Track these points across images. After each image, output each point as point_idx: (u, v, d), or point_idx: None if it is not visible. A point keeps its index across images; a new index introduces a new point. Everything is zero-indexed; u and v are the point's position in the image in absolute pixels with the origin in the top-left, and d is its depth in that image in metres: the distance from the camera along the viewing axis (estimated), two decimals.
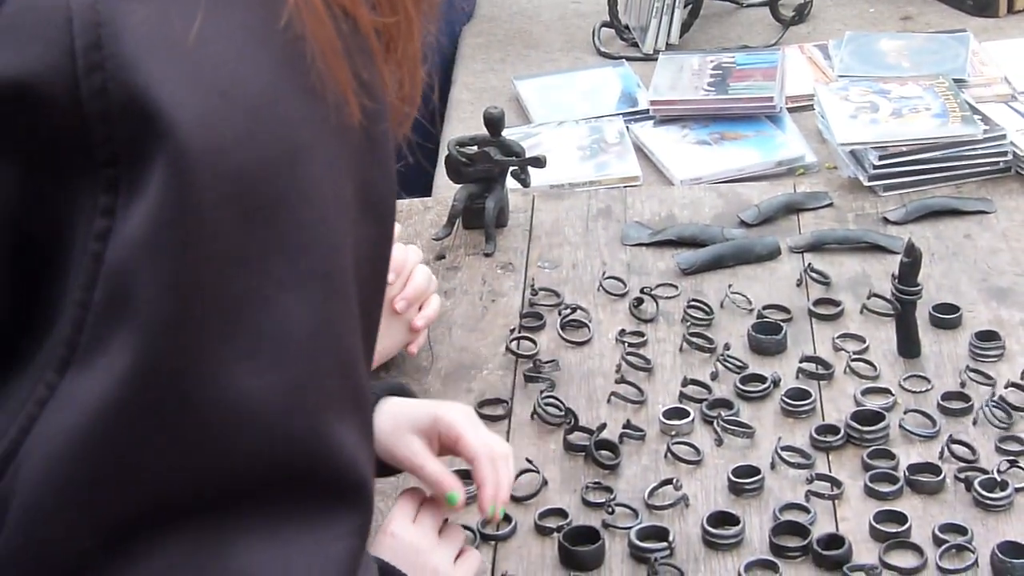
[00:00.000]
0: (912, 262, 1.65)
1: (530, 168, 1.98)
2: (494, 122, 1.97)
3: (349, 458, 0.73)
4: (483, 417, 1.63)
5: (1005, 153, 2.02)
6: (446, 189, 2.06)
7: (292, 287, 0.69)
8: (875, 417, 1.57)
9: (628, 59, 2.53)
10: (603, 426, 1.58)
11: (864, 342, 1.71)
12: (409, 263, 1.67)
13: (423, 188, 2.20)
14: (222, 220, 0.67)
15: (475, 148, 1.96)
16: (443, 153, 2.05)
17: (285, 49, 0.69)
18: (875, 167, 2.01)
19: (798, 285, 1.83)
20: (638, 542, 1.42)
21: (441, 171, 2.09)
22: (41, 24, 0.66)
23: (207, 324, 0.67)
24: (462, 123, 2.33)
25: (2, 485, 0.68)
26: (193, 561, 0.69)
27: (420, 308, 1.68)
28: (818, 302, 1.79)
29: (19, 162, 0.68)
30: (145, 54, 0.66)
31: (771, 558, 1.41)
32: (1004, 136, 2.02)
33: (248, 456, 0.69)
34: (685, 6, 2.56)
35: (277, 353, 0.68)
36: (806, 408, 1.60)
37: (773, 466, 1.53)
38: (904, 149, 2.01)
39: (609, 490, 1.51)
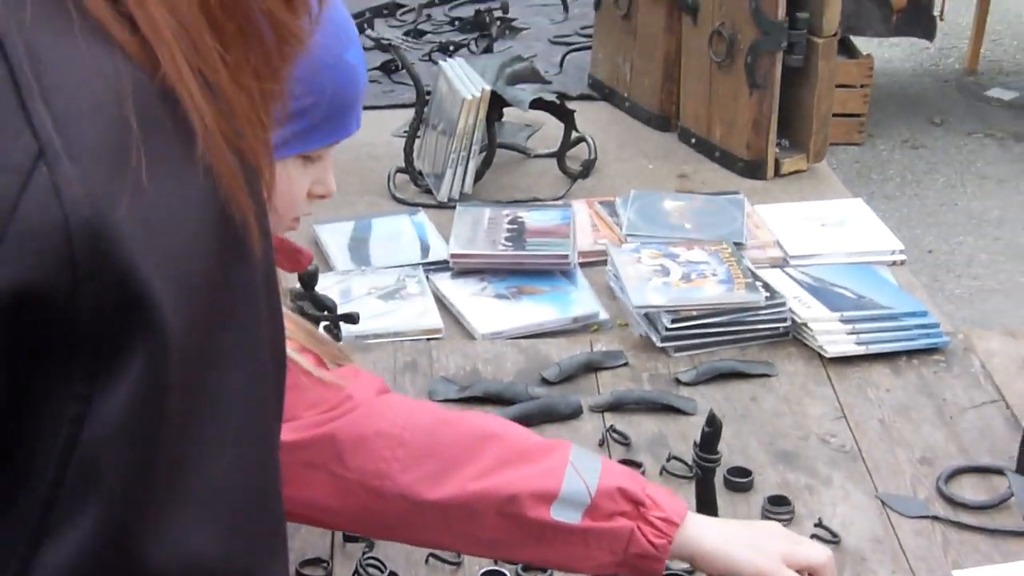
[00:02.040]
0: (713, 431, 1.76)
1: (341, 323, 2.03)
2: (308, 277, 2.01)
3: None
4: None
5: (784, 319, 2.17)
6: None
7: (220, 445, 0.76)
8: None
9: (423, 206, 2.61)
10: None
11: None
12: None
13: None
14: (179, 399, 0.73)
15: (289, 303, 1.99)
16: None
17: (215, 213, 0.74)
18: (668, 329, 2.13)
19: (600, 445, 1.93)
20: None
21: None
22: (41, 238, 0.70)
23: (159, 489, 0.73)
24: None
25: None
26: None
27: None
28: (620, 463, 1.88)
29: (9, 367, 0.71)
30: (133, 246, 0.70)
31: None
32: (784, 303, 2.17)
33: None
34: (480, 153, 2.66)
35: (212, 506, 0.76)
36: None
37: None
38: (695, 313, 2.14)
39: None
